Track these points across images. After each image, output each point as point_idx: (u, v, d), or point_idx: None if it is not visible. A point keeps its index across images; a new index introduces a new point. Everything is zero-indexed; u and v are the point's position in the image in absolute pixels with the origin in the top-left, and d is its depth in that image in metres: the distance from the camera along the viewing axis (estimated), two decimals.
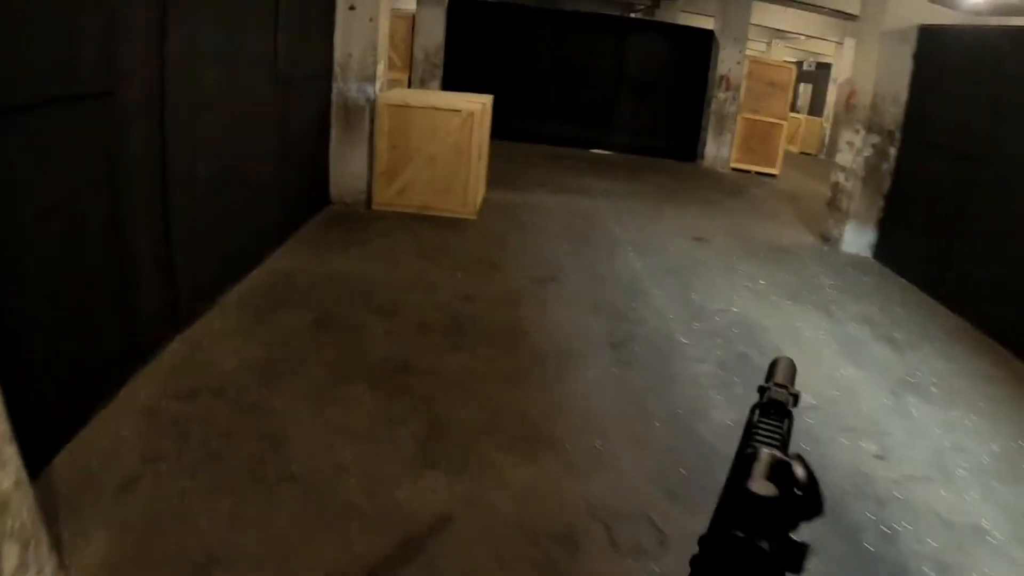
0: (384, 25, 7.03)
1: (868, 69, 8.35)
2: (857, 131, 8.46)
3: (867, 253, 8.50)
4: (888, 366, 5.20)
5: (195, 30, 4.03)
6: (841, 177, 8.71)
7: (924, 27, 7.89)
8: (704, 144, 13.36)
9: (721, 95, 13.08)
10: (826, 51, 18.51)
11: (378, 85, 7.12)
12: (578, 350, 4.76)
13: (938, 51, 7.64)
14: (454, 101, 7.20)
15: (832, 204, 8.90)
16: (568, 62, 13.55)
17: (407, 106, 7.00)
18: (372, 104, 7.03)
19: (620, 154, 13.44)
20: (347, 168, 7.21)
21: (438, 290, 5.45)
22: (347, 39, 6.81)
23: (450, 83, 13.35)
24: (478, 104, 7.12)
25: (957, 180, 6.96)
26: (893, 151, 8.32)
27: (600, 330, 5.16)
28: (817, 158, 18.55)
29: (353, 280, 5.44)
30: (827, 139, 18.00)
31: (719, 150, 13.31)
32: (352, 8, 6.68)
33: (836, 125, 16.64)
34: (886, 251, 8.23)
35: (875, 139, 8.34)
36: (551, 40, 13.57)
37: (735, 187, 11.85)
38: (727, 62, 12.99)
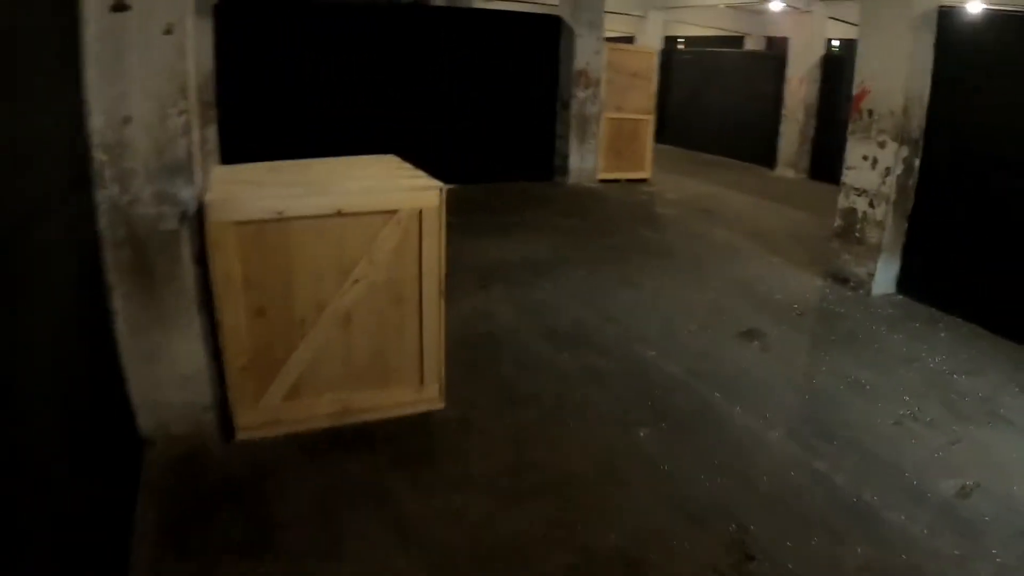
0: (191, 43, 3.05)
1: (890, 63, 5.81)
2: (882, 144, 5.87)
3: (892, 289, 6.19)
4: None
5: None
6: (861, 203, 6.09)
7: (946, 9, 5.75)
8: (565, 156, 10.31)
9: (580, 94, 10.10)
10: (627, 28, 16.29)
11: (198, 178, 3.16)
12: None
13: (966, 39, 5.71)
14: (375, 187, 3.39)
15: (846, 236, 6.28)
16: (378, 74, 9.81)
17: (279, 218, 3.13)
18: (194, 223, 3.07)
19: (462, 185, 10.00)
20: (162, 370, 3.16)
21: None
22: (115, 82, 2.79)
23: (231, 126, 9.12)
24: (424, 188, 3.37)
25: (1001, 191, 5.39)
26: (917, 163, 5.89)
27: None
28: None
29: None
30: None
31: (583, 160, 10.34)
32: (122, 8, 2.69)
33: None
34: (913, 284, 6.12)
35: (905, 152, 5.83)
36: (358, 49, 9.73)
37: (630, 211, 8.94)
38: (584, 53, 10.01)
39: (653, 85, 10.83)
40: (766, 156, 12.86)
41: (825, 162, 11.33)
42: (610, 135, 10.53)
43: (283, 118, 9.43)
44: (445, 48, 9.95)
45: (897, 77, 5.74)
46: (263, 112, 9.35)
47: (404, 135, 9.91)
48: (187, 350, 3.19)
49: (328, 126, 9.70)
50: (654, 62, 10.82)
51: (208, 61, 8.59)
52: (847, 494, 3.21)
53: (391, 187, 3.33)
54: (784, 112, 12.39)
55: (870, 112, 5.95)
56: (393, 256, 3.32)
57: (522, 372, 4.30)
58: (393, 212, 3.25)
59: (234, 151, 9.29)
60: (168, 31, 2.79)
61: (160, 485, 2.98)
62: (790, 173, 12.32)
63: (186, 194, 3.01)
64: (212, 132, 8.80)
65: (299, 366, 3.31)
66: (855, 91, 6.09)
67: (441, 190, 3.32)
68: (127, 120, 2.83)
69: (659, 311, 5.43)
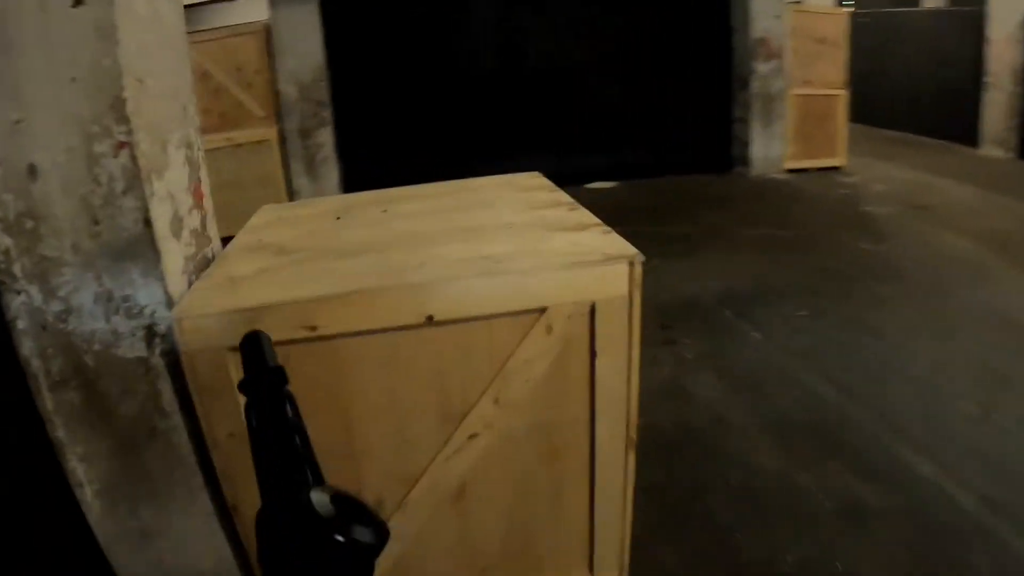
0: (176, 20, 1.64)
1: None
2: None
3: None
4: None
5: None
6: None
7: None
8: (746, 143, 8.40)
9: (761, 68, 8.16)
10: None
11: (183, 267, 1.78)
12: None
13: None
14: (502, 259, 1.81)
15: None
16: (522, 59, 8.34)
17: (312, 337, 1.68)
18: (175, 344, 1.69)
19: (621, 183, 8.35)
20: (166, 559, 1.81)
21: None
22: (3, 102, 1.44)
23: (347, 129, 8.00)
24: (597, 262, 1.73)
25: None
26: None
27: None
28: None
29: None
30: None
31: (768, 147, 8.40)
32: None
33: None
34: None
35: None
36: (490, 31, 8.32)
37: (834, 212, 6.94)
38: (762, 17, 8.06)
39: (845, 53, 8.65)
40: (966, 132, 10.21)
41: None
42: (798, 116, 8.49)
43: (408, 113, 8.19)
44: (593, 22, 8.33)
45: None
46: (385, 108, 8.15)
47: (548, 125, 8.46)
48: (196, 533, 1.84)
49: (459, 119, 8.39)
50: (845, 25, 8.62)
51: (317, 54, 7.42)
52: None
53: (533, 261, 1.76)
54: (988, 79, 9.72)
55: None
56: (542, 387, 1.79)
57: (744, 512, 2.67)
58: (539, 311, 1.71)
59: (355, 156, 8.19)
60: (79, 1, 1.37)
61: None
62: (998, 152, 9.64)
63: (150, 295, 1.65)
64: (327, 136, 7.68)
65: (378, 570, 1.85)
66: None
67: (632, 264, 1.72)
68: (33, 172, 1.45)
69: (914, 376, 3.60)
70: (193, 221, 1.93)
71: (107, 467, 1.78)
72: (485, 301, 1.70)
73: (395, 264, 1.83)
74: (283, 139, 7.84)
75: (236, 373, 1.66)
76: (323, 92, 7.73)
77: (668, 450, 3.06)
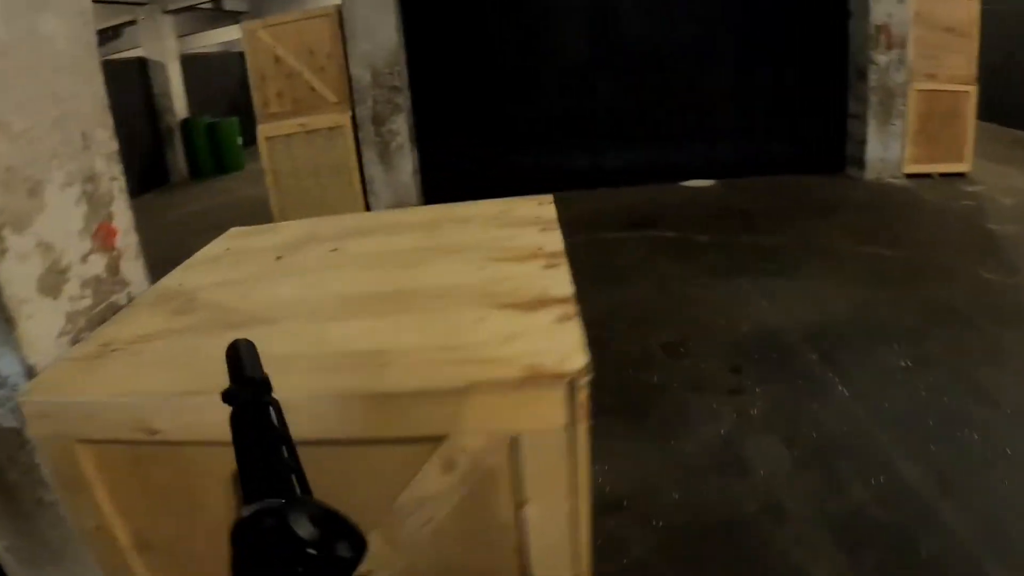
0: None
1: None
2: None
3: None
4: None
5: None
6: None
7: None
8: (861, 142, 7.43)
9: (881, 58, 7.17)
10: None
11: (61, 328, 1.43)
12: None
13: None
14: (395, 353, 1.33)
15: None
16: (615, 42, 7.70)
17: (156, 441, 1.22)
18: None
19: (725, 180, 7.56)
20: None
21: None
22: None
23: (424, 117, 7.64)
24: (528, 378, 1.14)
25: None
26: None
27: None
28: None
29: None
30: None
31: (886, 148, 7.40)
32: None
33: None
34: None
35: None
36: (581, 11, 7.72)
37: (955, 229, 5.93)
38: (884, 1, 7.07)
39: (975, 44, 7.48)
40: None
41: None
42: (920, 114, 7.45)
43: (490, 101, 7.74)
44: (693, 1, 7.60)
45: None
46: (465, 95, 7.73)
47: (641, 115, 7.78)
48: None
49: (545, 107, 7.89)
50: (976, 12, 7.44)
51: (391, 37, 7.03)
52: None
53: (430, 373, 1.21)
54: None
55: None
56: (451, 531, 1.25)
57: None
58: (434, 441, 1.16)
59: (432, 145, 7.80)
60: None
61: None
62: None
63: (8, 365, 1.45)
64: (401, 123, 7.31)
65: None
66: None
67: (573, 386, 1.14)
68: None
69: None
70: (92, 268, 1.65)
71: (11, 527, 1.58)
72: (360, 420, 1.18)
73: (272, 353, 1.33)
74: (356, 126, 7.53)
75: (89, 467, 1.37)
76: (398, 77, 7.36)
77: (696, 547, 2.45)
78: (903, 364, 3.64)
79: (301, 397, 1.16)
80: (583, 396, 1.13)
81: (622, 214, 6.71)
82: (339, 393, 1.19)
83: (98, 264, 1.67)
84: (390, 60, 7.26)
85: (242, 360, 0.84)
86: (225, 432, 0.82)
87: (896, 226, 6.01)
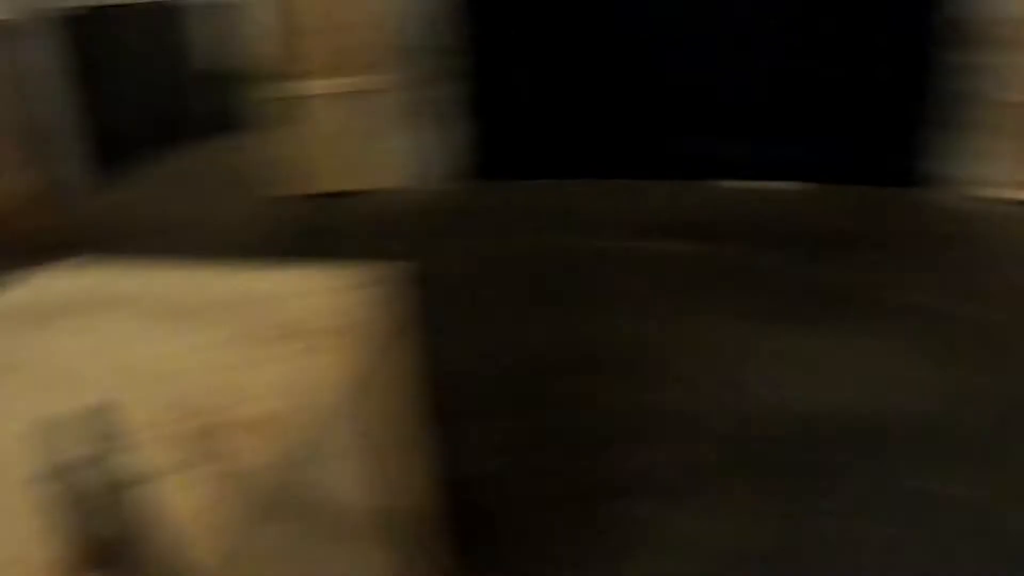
0: None
1: None
2: None
3: None
4: None
5: None
6: None
7: None
8: (947, 156, 6.50)
9: (987, 57, 6.19)
10: None
11: None
12: None
13: None
14: None
15: None
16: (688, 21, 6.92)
17: None
18: None
19: (770, 183, 6.76)
20: None
21: None
22: None
23: (476, 82, 7.17)
24: None
25: None
26: None
27: None
28: None
29: None
30: None
31: (988, 165, 6.40)
32: None
33: None
34: None
35: None
36: None
37: None
38: None
39: None
40: None
41: None
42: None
43: (552, 69, 7.20)
44: None
45: None
46: (524, 61, 7.24)
47: (688, 109, 7.00)
48: None
49: (610, 80, 7.28)
50: None
51: None
52: None
53: None
54: None
55: None
56: None
57: None
58: None
59: (485, 114, 7.23)
60: None
61: None
62: None
63: None
64: (450, 88, 6.97)
65: None
66: None
67: None
68: None
69: None
70: None
71: None
72: None
73: None
74: (401, 88, 7.06)
75: None
76: (450, 37, 6.87)
77: None
78: (973, 498, 2.81)
79: None
80: None
81: (676, 220, 6.09)
82: None
83: None
84: (440, 18, 6.77)
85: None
86: None
87: (979, 270, 5.07)
